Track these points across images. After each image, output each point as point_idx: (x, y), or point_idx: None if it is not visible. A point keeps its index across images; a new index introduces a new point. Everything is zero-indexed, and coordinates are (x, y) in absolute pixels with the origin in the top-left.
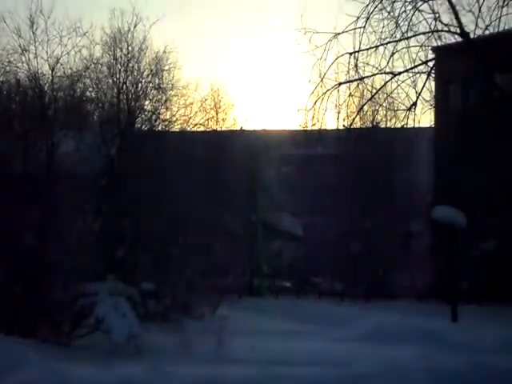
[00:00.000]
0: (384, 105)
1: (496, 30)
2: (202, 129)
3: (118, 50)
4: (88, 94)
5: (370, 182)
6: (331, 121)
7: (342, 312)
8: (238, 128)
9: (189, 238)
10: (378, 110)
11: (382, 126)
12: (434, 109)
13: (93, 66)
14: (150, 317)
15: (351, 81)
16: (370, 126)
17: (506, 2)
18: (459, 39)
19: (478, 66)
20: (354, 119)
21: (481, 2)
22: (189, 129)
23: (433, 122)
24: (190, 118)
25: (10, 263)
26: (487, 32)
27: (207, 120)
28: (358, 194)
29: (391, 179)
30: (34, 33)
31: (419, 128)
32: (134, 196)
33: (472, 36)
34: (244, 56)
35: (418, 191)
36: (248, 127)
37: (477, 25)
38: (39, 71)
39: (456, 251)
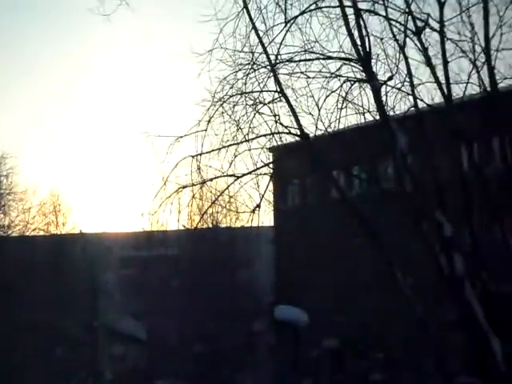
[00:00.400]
0: (227, 207)
1: (336, 129)
2: (41, 233)
3: None
4: None
5: (213, 281)
6: (173, 222)
7: None
8: (78, 231)
9: (30, 342)
10: (220, 212)
11: (223, 225)
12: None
13: None
14: None
15: (194, 184)
16: (211, 225)
17: (344, 105)
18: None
19: (316, 166)
20: (198, 222)
21: (320, 105)
22: (28, 233)
23: (272, 221)
24: (29, 222)
25: None
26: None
27: (47, 224)
28: (200, 294)
29: (233, 278)
30: None
31: (260, 227)
32: None
33: (312, 137)
34: (86, 158)
35: (260, 290)
36: (88, 230)
37: (317, 126)
38: None
39: (298, 350)
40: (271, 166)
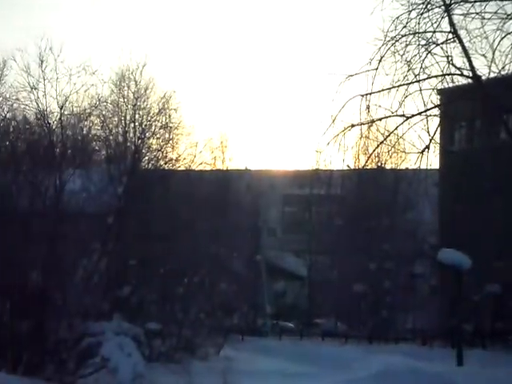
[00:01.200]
0: (395, 147)
1: (510, 72)
2: (208, 168)
3: (126, 88)
4: (95, 132)
5: (375, 222)
6: (338, 161)
7: (345, 354)
8: (243, 167)
9: (194, 277)
10: (387, 152)
11: (388, 166)
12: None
13: (100, 104)
14: (156, 357)
15: (363, 123)
16: (376, 167)
17: None
18: (470, 81)
19: (488, 108)
20: (367, 161)
21: (494, 47)
22: (194, 167)
23: (437, 164)
24: (196, 157)
25: (15, 301)
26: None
27: (213, 159)
28: (361, 234)
29: (395, 220)
30: (43, 71)
31: (423, 169)
32: (141, 235)
33: (484, 79)
34: (251, 96)
35: (422, 233)
36: (253, 166)
37: (490, 69)
38: (48, 109)
39: (460, 294)
40: (441, 107)
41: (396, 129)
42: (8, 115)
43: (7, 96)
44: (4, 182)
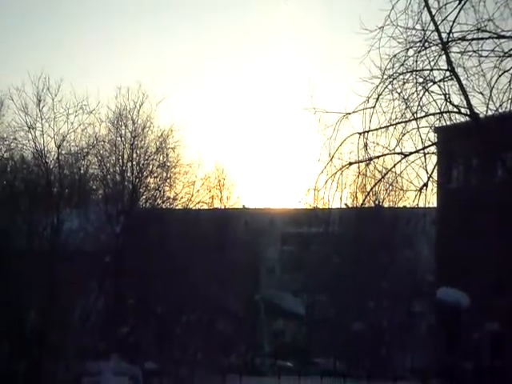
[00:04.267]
0: (394, 185)
1: (507, 110)
2: (205, 207)
3: (123, 127)
4: (93, 171)
5: (372, 260)
6: (335, 200)
7: None
8: (241, 206)
9: (192, 316)
10: (384, 190)
11: (385, 205)
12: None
13: (98, 143)
14: None
15: (361, 161)
16: (373, 205)
17: None
18: (467, 119)
19: (486, 146)
20: (364, 199)
21: (492, 84)
22: (192, 206)
23: (435, 202)
24: (193, 195)
25: (13, 341)
26: (496, 113)
27: (211, 198)
28: (359, 272)
29: (393, 258)
30: (40, 110)
31: (421, 208)
32: (138, 273)
33: (481, 117)
34: (248, 134)
35: (420, 270)
36: (251, 205)
37: (488, 106)
38: (45, 148)
39: (459, 332)
40: (439, 145)
41: (394, 167)
42: (5, 155)
43: (4, 135)
44: (1, 221)
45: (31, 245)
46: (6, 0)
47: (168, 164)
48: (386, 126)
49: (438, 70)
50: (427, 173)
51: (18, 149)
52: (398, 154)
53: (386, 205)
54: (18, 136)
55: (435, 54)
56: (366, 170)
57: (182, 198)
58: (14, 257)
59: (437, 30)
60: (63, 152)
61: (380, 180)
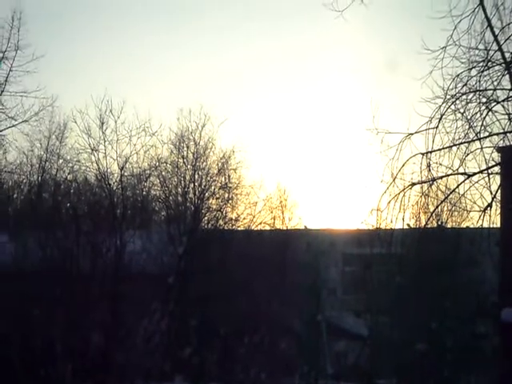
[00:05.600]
0: (457, 205)
1: None
2: (267, 227)
3: (185, 148)
4: (155, 192)
5: (435, 281)
6: (398, 220)
7: None
8: (303, 227)
9: (255, 336)
10: (447, 211)
11: (448, 225)
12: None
13: (160, 164)
14: None
15: (424, 181)
16: (436, 226)
17: None
18: None
19: None
20: (427, 220)
21: None
22: (254, 227)
23: (499, 223)
24: (255, 216)
25: (77, 363)
26: None
27: (273, 219)
28: (422, 293)
29: (456, 278)
30: (103, 132)
31: (485, 228)
32: (201, 294)
33: None
34: (311, 155)
35: (484, 291)
36: (312, 226)
37: None
38: (108, 170)
39: None
40: (504, 165)
41: (457, 187)
42: (69, 177)
43: (68, 158)
44: (66, 243)
45: (95, 266)
46: (69, 23)
47: (230, 185)
48: (449, 147)
49: (501, 89)
50: (491, 193)
51: (81, 171)
52: (462, 174)
53: (448, 225)
54: (81, 158)
55: (498, 74)
56: (429, 191)
57: (244, 219)
58: (77, 278)
59: (500, 49)
60: (126, 174)
61: (443, 200)
